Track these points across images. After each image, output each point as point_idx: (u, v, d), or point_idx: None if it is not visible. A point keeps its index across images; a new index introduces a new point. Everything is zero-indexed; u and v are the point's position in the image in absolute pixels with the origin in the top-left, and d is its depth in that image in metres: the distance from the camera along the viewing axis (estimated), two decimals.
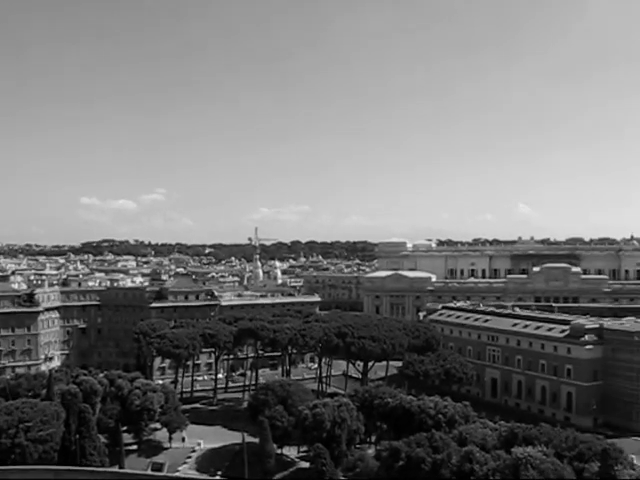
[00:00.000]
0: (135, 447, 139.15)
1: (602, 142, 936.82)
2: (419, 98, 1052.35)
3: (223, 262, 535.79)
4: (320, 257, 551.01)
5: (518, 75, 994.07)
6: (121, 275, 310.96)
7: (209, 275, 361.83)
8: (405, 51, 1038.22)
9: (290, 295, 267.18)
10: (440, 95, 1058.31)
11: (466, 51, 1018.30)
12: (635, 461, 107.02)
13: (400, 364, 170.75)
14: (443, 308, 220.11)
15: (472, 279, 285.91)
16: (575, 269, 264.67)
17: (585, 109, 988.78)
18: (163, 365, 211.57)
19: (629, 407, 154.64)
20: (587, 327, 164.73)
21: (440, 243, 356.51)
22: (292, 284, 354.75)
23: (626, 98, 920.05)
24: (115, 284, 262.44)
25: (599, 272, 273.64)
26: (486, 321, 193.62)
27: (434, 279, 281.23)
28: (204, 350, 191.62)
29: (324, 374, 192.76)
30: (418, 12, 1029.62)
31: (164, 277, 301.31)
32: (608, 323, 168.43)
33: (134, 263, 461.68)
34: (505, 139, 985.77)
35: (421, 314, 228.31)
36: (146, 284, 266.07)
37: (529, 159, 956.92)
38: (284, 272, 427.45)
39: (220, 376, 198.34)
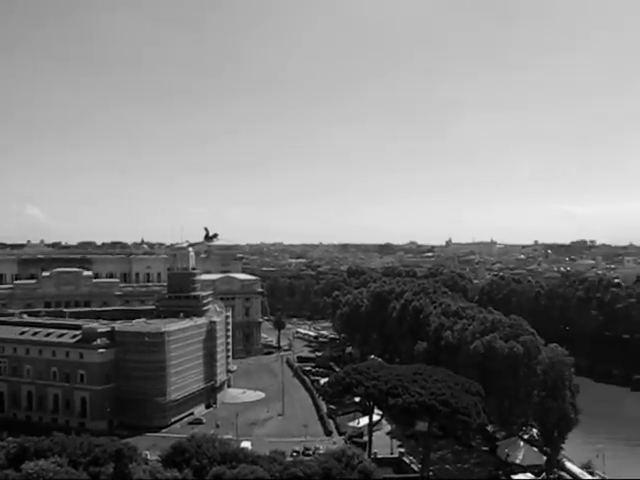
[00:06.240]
0: None
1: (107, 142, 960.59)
2: None
3: None
4: None
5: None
6: None
7: None
8: None
9: None
10: None
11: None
12: (149, 456, 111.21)
13: None
14: None
15: None
16: (87, 273, 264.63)
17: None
18: None
19: (142, 405, 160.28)
20: (99, 331, 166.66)
21: None
22: None
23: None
24: None
25: (111, 275, 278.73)
26: None
27: None
28: None
29: None
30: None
31: None
32: (120, 326, 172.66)
33: None
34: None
35: None
36: None
37: (34, 158, 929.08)
38: None
39: None
